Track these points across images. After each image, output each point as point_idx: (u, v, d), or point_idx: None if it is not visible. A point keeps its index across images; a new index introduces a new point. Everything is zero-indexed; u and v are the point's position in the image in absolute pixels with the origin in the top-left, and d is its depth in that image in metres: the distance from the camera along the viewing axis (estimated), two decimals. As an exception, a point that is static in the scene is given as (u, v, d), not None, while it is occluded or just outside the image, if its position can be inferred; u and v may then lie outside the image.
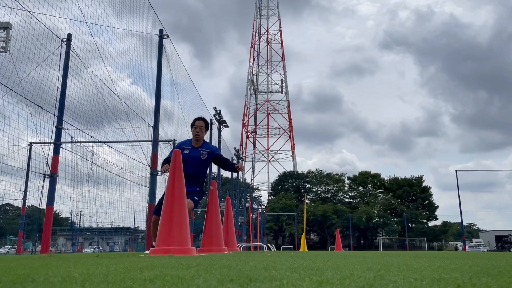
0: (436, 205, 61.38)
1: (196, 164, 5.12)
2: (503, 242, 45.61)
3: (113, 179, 10.46)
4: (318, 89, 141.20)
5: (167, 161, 5.00)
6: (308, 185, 67.80)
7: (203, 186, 5.34)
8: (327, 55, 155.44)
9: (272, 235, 62.60)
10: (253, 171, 77.64)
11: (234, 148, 23.84)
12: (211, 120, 14.82)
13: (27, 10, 5.87)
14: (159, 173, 4.45)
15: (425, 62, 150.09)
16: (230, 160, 5.29)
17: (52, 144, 7.32)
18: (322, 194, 66.51)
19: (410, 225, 57.76)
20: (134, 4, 8.45)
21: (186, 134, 12.59)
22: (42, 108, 6.73)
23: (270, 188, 72.01)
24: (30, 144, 12.83)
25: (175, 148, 5.01)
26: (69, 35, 7.54)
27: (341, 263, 2.18)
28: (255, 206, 48.07)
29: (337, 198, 65.26)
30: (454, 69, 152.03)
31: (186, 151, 5.07)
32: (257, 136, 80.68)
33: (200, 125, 5.18)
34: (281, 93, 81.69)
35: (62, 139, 7.45)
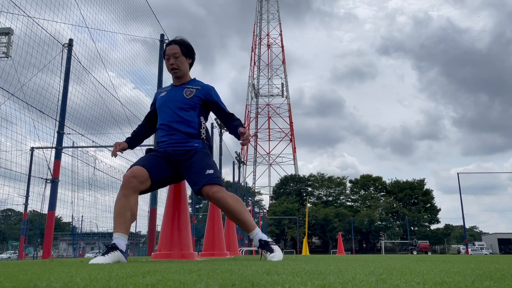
0: (438, 208, 61.26)
1: (179, 107, 3.19)
2: (409, 245, 47.39)
3: (115, 183, 10.47)
4: (319, 93, 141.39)
5: (134, 134, 3.45)
6: (309, 189, 67.69)
7: (207, 138, 3.28)
8: (328, 59, 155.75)
9: (274, 239, 62.51)
10: (255, 175, 77.62)
11: (236, 152, 23.86)
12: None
13: (28, 16, 5.90)
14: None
15: (425, 67, 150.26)
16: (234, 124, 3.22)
17: (54, 149, 7.33)
18: (324, 197, 66.39)
19: (412, 228, 57.61)
20: (136, 10, 8.49)
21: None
22: (43, 113, 6.75)
23: (271, 192, 71.96)
24: (32, 149, 12.86)
25: (154, 99, 3.47)
26: (71, 40, 7.57)
27: (343, 267, 2.17)
28: (256, 210, 48.05)
29: (338, 201, 65.13)
30: (454, 74, 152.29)
31: (163, 93, 3.33)
32: (258, 140, 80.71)
33: (174, 51, 3.22)
34: (282, 96, 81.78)
35: (64, 144, 7.46)
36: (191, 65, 3.40)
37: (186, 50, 3.28)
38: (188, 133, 3.18)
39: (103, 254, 2.69)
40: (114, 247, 2.75)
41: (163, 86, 3.25)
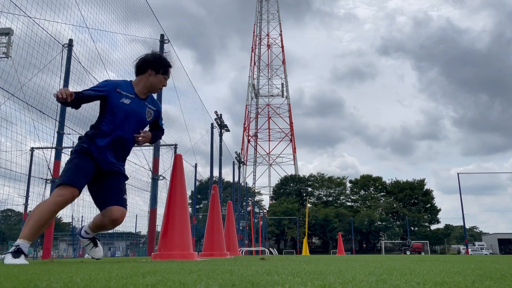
0: (438, 208, 61.24)
1: (137, 126, 3.21)
2: (402, 245, 47.69)
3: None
4: (319, 93, 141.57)
5: (83, 99, 3.05)
6: (309, 189, 67.68)
7: None
8: (328, 59, 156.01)
9: (274, 239, 62.46)
10: (255, 175, 77.64)
11: (236, 152, 23.85)
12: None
13: (29, 17, 5.90)
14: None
15: (424, 67, 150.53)
16: None
17: (54, 149, 7.33)
18: (324, 197, 66.38)
19: (412, 228, 57.62)
20: (136, 10, 8.49)
21: (187, 138, 12.58)
22: (43, 113, 6.75)
23: (271, 192, 71.95)
24: (32, 149, 12.85)
25: (103, 86, 3.13)
26: (70, 41, 7.57)
27: (343, 267, 2.18)
28: (256, 210, 48.10)
29: (338, 201, 65.13)
30: (454, 74, 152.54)
31: (127, 101, 3.14)
32: (258, 140, 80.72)
33: (169, 75, 3.44)
34: (282, 97, 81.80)
35: (64, 144, 7.46)
36: None
37: None
38: (127, 157, 3.34)
39: (15, 256, 2.71)
40: (21, 252, 2.76)
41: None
